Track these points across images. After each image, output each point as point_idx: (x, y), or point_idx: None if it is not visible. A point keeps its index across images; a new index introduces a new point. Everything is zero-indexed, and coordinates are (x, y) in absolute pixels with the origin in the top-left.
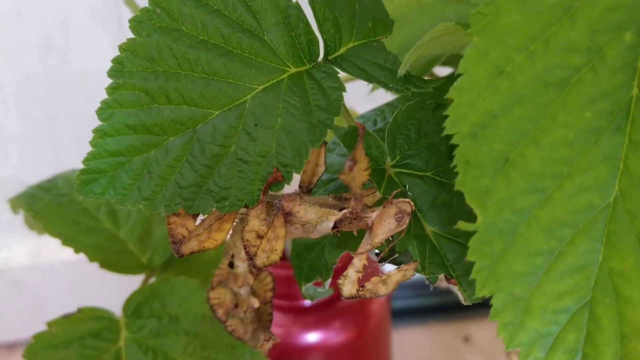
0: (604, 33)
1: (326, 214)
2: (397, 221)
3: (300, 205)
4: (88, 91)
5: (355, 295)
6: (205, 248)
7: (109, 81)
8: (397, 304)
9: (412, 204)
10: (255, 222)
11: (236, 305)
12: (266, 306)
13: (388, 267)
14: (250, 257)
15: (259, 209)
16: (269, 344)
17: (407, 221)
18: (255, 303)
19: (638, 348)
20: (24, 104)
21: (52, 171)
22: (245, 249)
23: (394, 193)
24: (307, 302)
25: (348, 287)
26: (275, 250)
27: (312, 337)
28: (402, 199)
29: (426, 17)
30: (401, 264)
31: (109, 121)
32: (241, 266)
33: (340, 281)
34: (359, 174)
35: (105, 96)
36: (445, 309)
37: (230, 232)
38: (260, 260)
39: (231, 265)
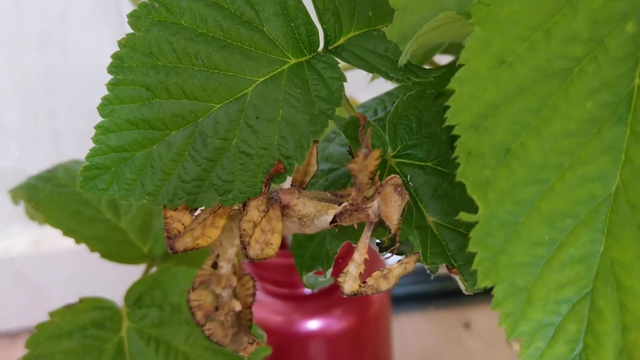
0: (606, 23)
1: (325, 208)
2: (399, 195)
3: (298, 198)
4: (87, 84)
5: (357, 292)
6: (198, 245)
7: (108, 74)
8: (397, 291)
9: (398, 177)
10: (255, 213)
11: (216, 309)
12: (246, 311)
13: (390, 261)
14: (244, 247)
15: (260, 201)
16: (253, 347)
17: (405, 191)
18: (237, 306)
19: (639, 338)
20: (23, 96)
21: (52, 163)
22: (240, 238)
23: (377, 176)
24: (308, 290)
25: (349, 283)
26: (271, 244)
27: (313, 324)
28: (389, 177)
29: (427, 5)
30: (402, 253)
31: (111, 117)
32: (225, 267)
33: (340, 279)
34: (370, 163)
35: (104, 89)
36: (445, 296)
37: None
38: (254, 251)
39: (215, 265)
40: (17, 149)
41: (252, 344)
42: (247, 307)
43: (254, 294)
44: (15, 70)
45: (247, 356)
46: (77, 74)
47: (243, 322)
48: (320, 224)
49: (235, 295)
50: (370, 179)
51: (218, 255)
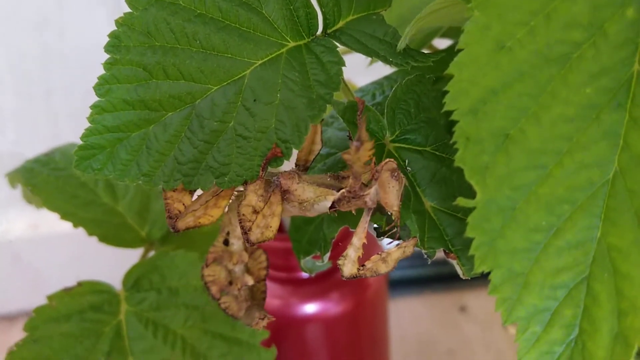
0: (606, 8)
1: (324, 194)
2: (396, 180)
3: (298, 183)
4: (83, 65)
5: (356, 275)
6: (201, 224)
7: (105, 55)
8: (393, 275)
9: (393, 160)
10: (253, 198)
11: (230, 283)
12: (260, 284)
13: (388, 246)
14: (245, 232)
15: (257, 185)
16: (264, 322)
17: (401, 174)
18: (250, 281)
19: (635, 324)
20: (19, 78)
21: (49, 146)
22: (240, 223)
23: (372, 161)
24: (306, 274)
25: (348, 267)
26: (270, 227)
27: (311, 308)
28: (383, 162)
29: None
30: (400, 238)
31: (107, 97)
32: (236, 244)
33: (340, 262)
34: (364, 154)
35: (100, 70)
36: (441, 279)
37: (226, 209)
38: (255, 235)
39: (226, 242)
40: (14, 132)
41: (263, 319)
42: (261, 280)
43: (267, 267)
44: (11, 51)
45: (257, 330)
46: (74, 55)
47: (257, 296)
48: (320, 208)
49: (247, 270)
50: (366, 165)
51: (228, 233)
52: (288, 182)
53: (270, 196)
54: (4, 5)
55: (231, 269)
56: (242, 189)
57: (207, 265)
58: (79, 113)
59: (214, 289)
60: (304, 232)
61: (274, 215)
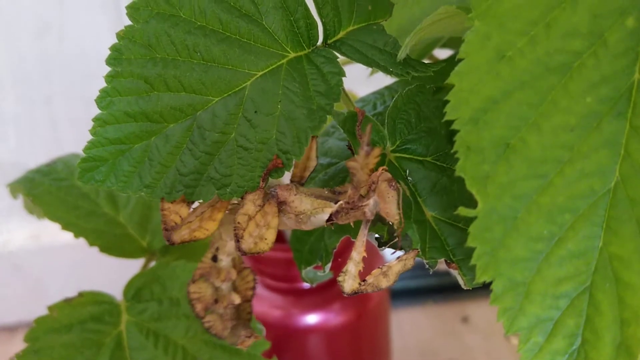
0: (606, 18)
1: (321, 206)
2: (394, 189)
3: (295, 195)
4: (84, 71)
5: (357, 291)
6: (196, 237)
7: (107, 66)
8: (396, 285)
9: (386, 169)
10: (250, 207)
11: (216, 301)
12: (246, 304)
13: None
14: (237, 240)
15: (257, 195)
16: (251, 341)
17: (397, 184)
18: (237, 299)
19: (637, 333)
20: (20, 84)
21: (50, 152)
22: (235, 231)
23: (368, 172)
24: (307, 285)
25: (349, 282)
26: (265, 239)
27: (312, 318)
28: (378, 173)
29: None
30: (401, 248)
31: (108, 109)
32: (225, 260)
33: (340, 278)
34: (371, 162)
35: (101, 77)
36: (443, 290)
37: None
38: (247, 244)
39: (214, 259)
40: (15, 138)
41: (249, 337)
42: (247, 300)
43: (253, 288)
44: (12, 57)
45: (245, 349)
46: (74, 61)
47: (242, 315)
48: (316, 221)
49: (234, 288)
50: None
51: (217, 249)
52: (285, 193)
53: (264, 205)
54: (5, 10)
55: (218, 286)
56: (236, 201)
57: (193, 282)
58: (79, 119)
59: (198, 307)
60: (305, 242)
61: (270, 227)
